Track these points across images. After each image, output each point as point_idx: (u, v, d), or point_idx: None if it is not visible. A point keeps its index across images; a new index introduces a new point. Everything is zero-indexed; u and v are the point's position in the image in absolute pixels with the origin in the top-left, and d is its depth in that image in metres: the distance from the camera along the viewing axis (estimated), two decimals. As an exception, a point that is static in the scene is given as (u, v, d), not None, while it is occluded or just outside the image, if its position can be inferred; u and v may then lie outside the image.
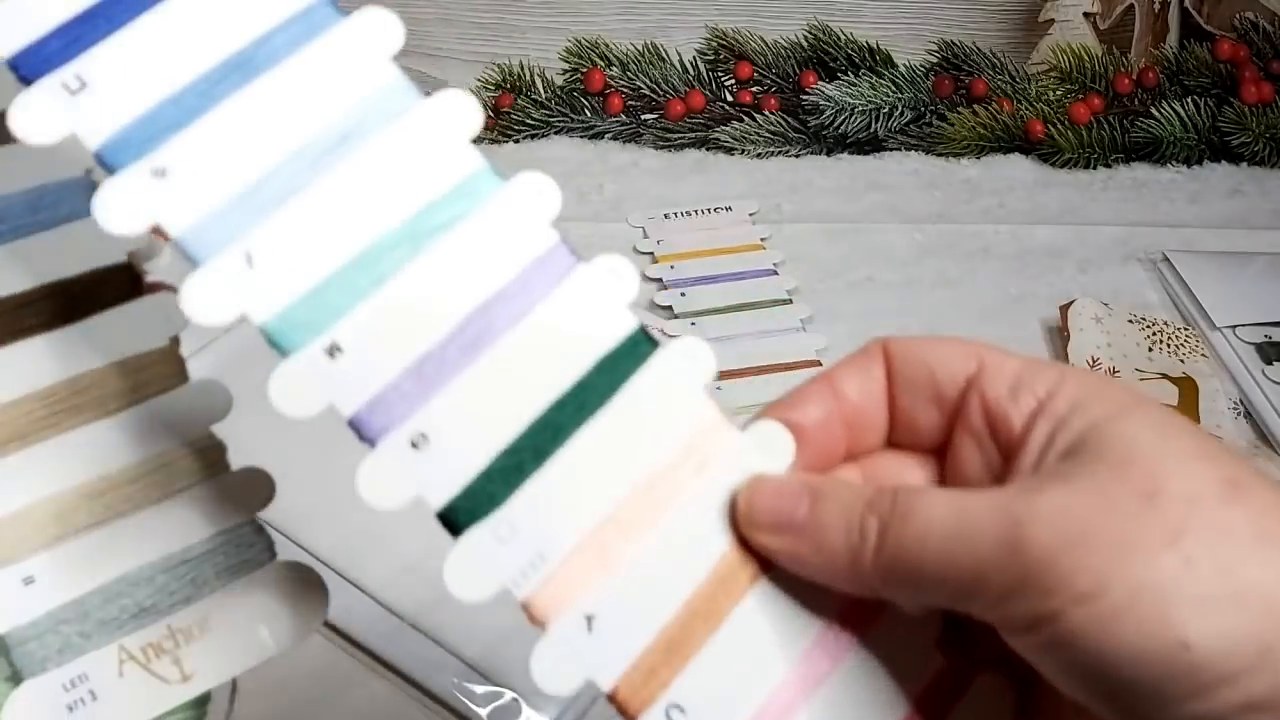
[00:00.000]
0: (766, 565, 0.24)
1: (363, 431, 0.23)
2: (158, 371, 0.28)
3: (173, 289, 0.29)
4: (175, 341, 0.28)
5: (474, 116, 0.25)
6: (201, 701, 0.27)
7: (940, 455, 0.26)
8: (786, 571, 0.24)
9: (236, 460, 0.48)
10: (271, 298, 0.23)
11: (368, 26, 0.25)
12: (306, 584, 0.28)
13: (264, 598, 0.28)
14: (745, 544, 0.24)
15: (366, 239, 0.24)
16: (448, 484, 0.23)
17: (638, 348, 0.25)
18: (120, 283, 0.29)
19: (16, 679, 0.26)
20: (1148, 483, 0.21)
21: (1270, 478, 0.21)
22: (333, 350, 0.23)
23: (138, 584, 0.27)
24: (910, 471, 0.26)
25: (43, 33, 0.24)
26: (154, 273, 0.30)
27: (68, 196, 0.29)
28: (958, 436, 0.25)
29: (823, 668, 0.24)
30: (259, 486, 0.29)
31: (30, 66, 0.23)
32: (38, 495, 0.27)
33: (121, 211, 0.23)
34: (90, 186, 0.29)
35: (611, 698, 0.23)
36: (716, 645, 0.23)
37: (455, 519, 0.23)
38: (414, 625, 0.49)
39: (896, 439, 0.27)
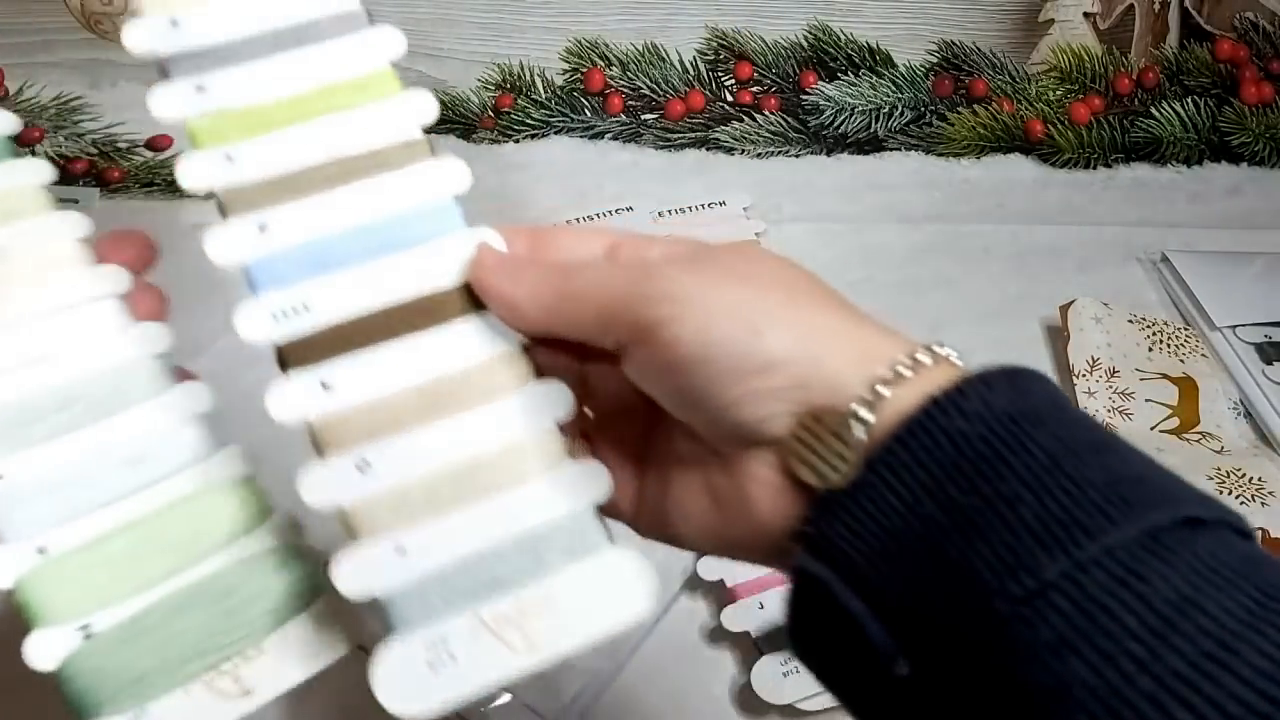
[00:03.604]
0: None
1: None
2: (509, 374, 0.32)
3: None
4: (521, 346, 0.33)
5: None
6: None
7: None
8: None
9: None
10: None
11: None
12: (637, 570, 0.31)
13: (599, 580, 0.31)
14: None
15: None
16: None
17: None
18: (471, 295, 0.33)
19: (387, 633, 0.30)
20: (742, 254, 0.31)
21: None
22: None
23: (493, 558, 0.30)
24: None
25: None
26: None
27: (433, 219, 0.33)
28: None
29: None
30: (598, 478, 0.31)
31: None
32: (412, 476, 0.31)
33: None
34: (454, 207, 0.34)
35: None
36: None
37: None
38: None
39: None
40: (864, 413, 0.28)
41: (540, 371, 0.32)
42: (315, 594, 0.32)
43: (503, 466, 0.31)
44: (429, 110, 0.34)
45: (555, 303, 0.31)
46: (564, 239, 0.34)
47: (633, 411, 0.33)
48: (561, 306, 0.31)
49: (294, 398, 0.31)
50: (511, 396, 0.32)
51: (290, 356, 0.31)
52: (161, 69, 0.33)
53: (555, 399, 0.32)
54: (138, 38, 0.32)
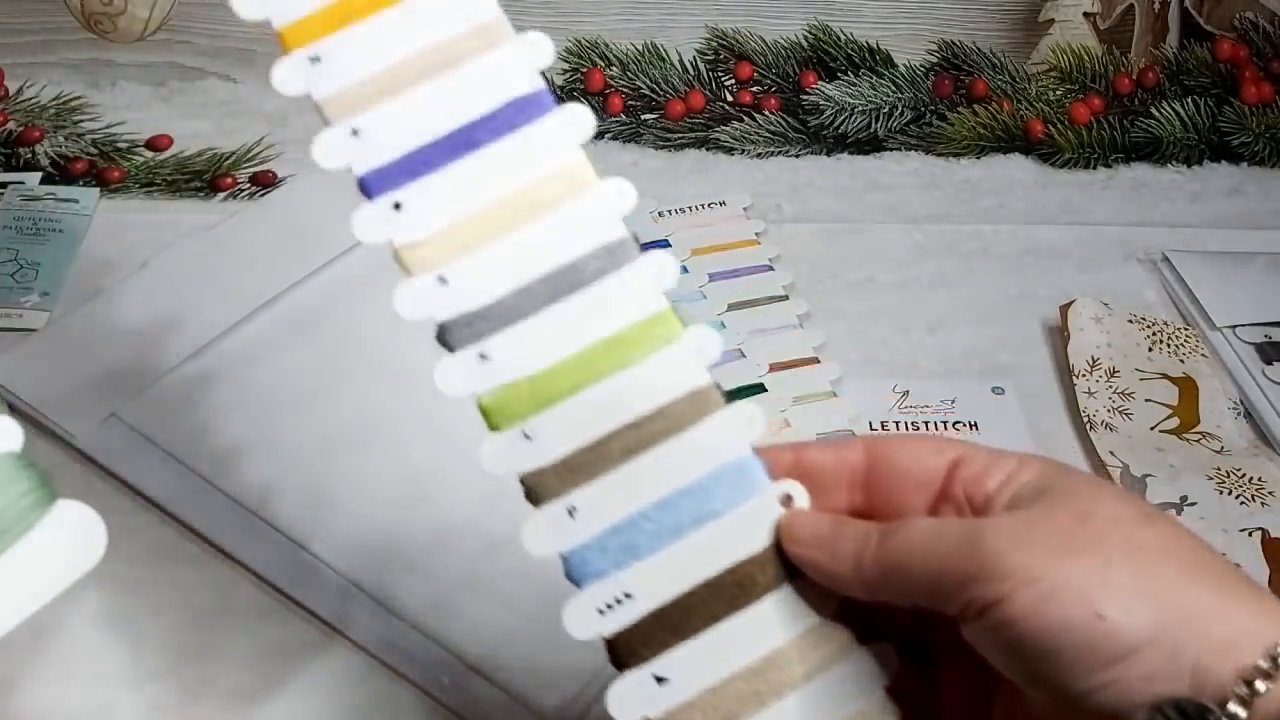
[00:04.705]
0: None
1: None
2: (832, 646, 0.31)
3: None
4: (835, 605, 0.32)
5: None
6: None
7: None
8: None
9: (243, 466, 0.47)
10: None
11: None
12: None
13: None
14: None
15: None
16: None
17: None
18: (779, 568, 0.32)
19: None
20: (1082, 508, 0.28)
21: (1174, 519, 0.27)
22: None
23: None
24: None
25: None
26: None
27: (734, 480, 0.32)
28: (941, 509, 0.31)
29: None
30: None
31: None
32: None
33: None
34: (753, 462, 0.32)
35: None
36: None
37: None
38: (414, 625, 0.49)
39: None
40: (1237, 709, 0.25)
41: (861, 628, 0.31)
42: (44, 507, 0.28)
43: None
44: (713, 349, 0.32)
45: (879, 577, 0.29)
46: (901, 456, 0.32)
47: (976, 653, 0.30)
48: (887, 581, 0.29)
49: (634, 699, 0.30)
50: (839, 668, 0.31)
51: (624, 653, 0.30)
52: (442, 339, 0.31)
53: (880, 667, 0.31)
54: (411, 304, 0.30)
